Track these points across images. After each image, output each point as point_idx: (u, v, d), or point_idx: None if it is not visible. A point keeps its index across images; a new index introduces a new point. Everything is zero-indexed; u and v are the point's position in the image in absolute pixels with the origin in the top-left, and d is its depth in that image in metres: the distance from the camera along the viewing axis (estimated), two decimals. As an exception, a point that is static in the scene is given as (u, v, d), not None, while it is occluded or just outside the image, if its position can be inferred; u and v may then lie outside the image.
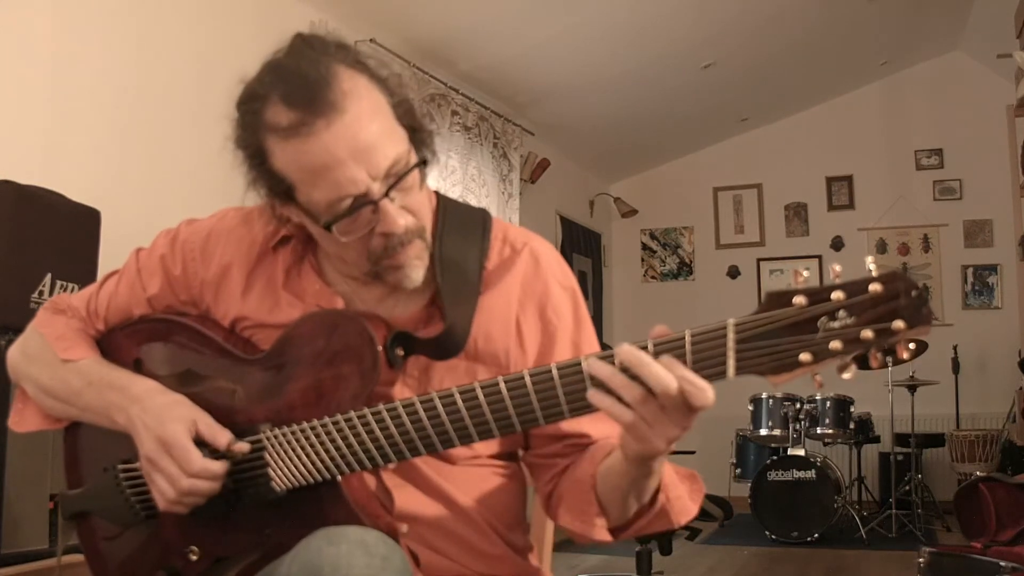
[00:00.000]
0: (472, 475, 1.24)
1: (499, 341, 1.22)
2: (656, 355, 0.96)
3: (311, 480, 1.11)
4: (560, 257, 1.31)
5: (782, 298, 0.92)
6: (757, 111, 7.18)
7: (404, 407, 1.08)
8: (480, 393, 1.04)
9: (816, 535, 5.54)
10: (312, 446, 1.11)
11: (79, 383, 1.25)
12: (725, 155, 7.65)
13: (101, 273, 1.59)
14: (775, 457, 5.84)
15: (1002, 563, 2.95)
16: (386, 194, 1.09)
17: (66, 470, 1.32)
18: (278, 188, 1.12)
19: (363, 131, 1.07)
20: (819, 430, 5.94)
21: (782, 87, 6.87)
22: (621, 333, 7.58)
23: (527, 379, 1.02)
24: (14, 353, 1.34)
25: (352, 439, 1.09)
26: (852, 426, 5.94)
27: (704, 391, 0.94)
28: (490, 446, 1.23)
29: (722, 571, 4.94)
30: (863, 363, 0.91)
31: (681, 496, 1.16)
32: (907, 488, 5.91)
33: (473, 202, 3.49)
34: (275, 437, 1.13)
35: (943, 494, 6.14)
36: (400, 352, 1.14)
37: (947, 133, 7.13)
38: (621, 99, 6.08)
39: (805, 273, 0.93)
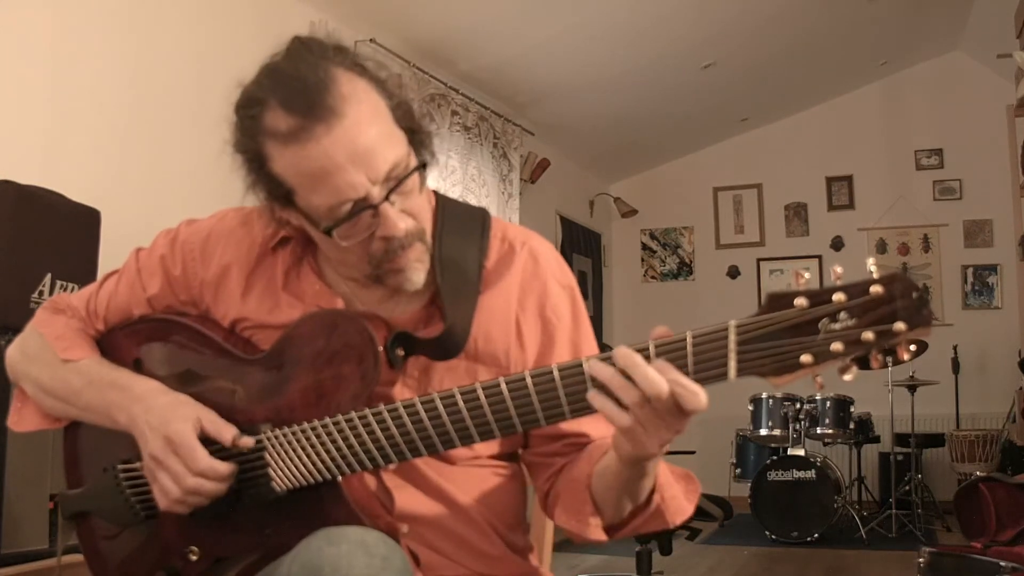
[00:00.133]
0: (472, 475, 1.24)
1: (499, 341, 1.22)
2: (657, 356, 0.96)
3: (311, 480, 1.11)
4: (559, 256, 1.31)
5: (783, 299, 0.93)
6: (757, 111, 7.18)
7: (405, 407, 1.08)
8: (481, 394, 1.04)
9: (816, 535, 5.54)
10: (312, 446, 1.11)
11: (79, 383, 1.25)
12: (725, 155, 7.65)
13: (101, 273, 1.59)
14: (775, 457, 5.84)
15: (1002, 563, 2.95)
16: (386, 198, 1.09)
17: (66, 470, 1.32)
18: (277, 192, 1.12)
19: (362, 135, 1.07)
20: (819, 430, 5.94)
21: (782, 87, 6.87)
22: (621, 333, 7.58)
23: (528, 380, 1.02)
24: (13, 353, 1.34)
25: (352, 439, 1.09)
26: (852, 426, 5.94)
27: (696, 395, 0.94)
28: (490, 446, 1.23)
29: (722, 571, 4.94)
30: (864, 364, 0.92)
31: (676, 496, 1.16)
32: (907, 488, 5.91)
33: (473, 202, 3.49)
34: (275, 437, 1.13)
35: (943, 494, 6.14)
36: (400, 352, 1.14)
37: (947, 133, 7.13)
38: (621, 99, 6.08)
39: (806, 275, 0.94)
